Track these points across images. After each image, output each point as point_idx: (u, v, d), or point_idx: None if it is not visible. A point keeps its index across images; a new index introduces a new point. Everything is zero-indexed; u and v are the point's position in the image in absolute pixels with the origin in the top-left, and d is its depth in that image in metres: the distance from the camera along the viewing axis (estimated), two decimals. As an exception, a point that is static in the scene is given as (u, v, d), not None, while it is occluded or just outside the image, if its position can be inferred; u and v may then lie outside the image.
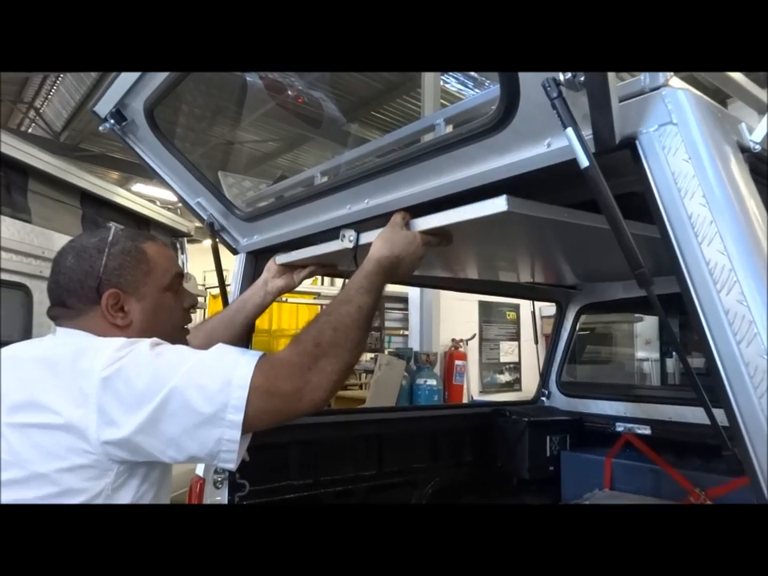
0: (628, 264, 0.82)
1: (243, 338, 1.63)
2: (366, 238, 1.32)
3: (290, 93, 2.93)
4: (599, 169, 0.82)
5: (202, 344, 1.31)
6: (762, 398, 0.72)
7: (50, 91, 8.92)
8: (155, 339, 0.97)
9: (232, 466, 0.91)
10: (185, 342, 1.18)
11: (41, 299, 3.19)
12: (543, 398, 3.09)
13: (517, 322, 7.58)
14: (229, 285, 1.94)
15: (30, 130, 9.83)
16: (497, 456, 2.76)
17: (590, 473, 2.62)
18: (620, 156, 0.90)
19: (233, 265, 1.93)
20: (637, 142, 0.88)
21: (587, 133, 0.87)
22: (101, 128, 1.64)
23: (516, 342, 7.62)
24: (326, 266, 1.71)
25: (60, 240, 3.36)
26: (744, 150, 0.88)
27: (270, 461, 2.08)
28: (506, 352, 7.54)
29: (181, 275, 1.19)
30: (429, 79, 6.36)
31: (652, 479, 2.40)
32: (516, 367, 7.62)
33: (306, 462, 2.20)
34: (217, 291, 6.84)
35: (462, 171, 1.09)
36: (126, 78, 1.48)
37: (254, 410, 0.88)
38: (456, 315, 6.91)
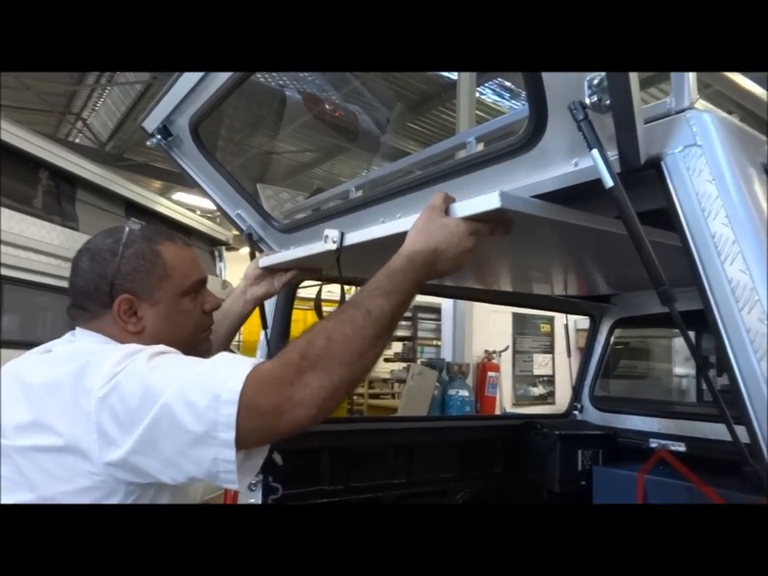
0: (651, 281, 0.84)
1: (227, 348, 1.56)
2: (352, 238, 1.24)
3: (327, 106, 3.01)
4: (623, 188, 0.84)
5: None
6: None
7: (97, 103, 9.27)
8: (157, 348, 0.91)
9: (235, 486, 0.83)
10: (206, 347, 1.14)
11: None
12: (575, 412, 3.08)
13: (551, 334, 7.51)
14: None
15: (77, 140, 10.21)
16: (527, 468, 2.76)
17: (622, 489, 2.59)
18: (647, 173, 0.92)
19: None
20: (662, 163, 0.90)
21: (613, 153, 0.89)
22: (148, 143, 1.73)
23: (550, 355, 7.54)
24: (310, 271, 1.62)
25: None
26: (769, 169, 0.89)
27: (302, 466, 2.13)
28: (540, 365, 7.47)
29: (203, 281, 1.12)
30: (464, 90, 6.39)
31: (686, 497, 2.36)
32: (550, 380, 7.54)
33: (338, 468, 2.24)
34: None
35: (491, 189, 1.12)
36: (173, 96, 1.56)
37: (244, 427, 0.79)
38: (489, 326, 6.89)
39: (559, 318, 3.57)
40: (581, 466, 2.72)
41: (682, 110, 0.89)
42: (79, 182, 3.69)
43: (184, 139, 1.69)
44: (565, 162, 0.99)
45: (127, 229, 1.06)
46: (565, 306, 2.91)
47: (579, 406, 3.06)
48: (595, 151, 0.85)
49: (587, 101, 0.85)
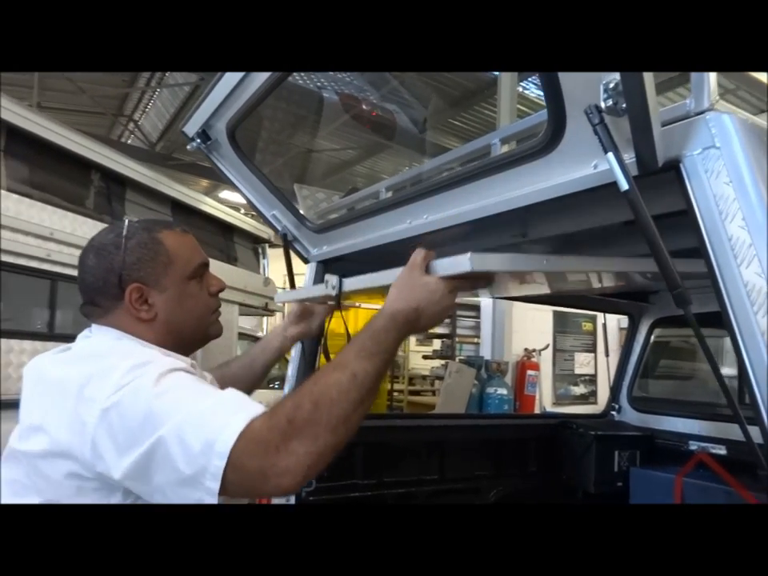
0: (666, 284, 0.85)
1: (262, 381, 1.63)
2: (350, 285, 1.29)
3: (364, 106, 3.05)
4: (639, 192, 0.85)
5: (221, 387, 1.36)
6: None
7: (148, 105, 9.58)
8: (167, 365, 0.93)
9: None
10: (216, 329, 1.18)
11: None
12: (613, 413, 3.04)
13: (593, 333, 7.38)
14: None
15: (129, 141, 10.57)
16: (562, 468, 2.74)
17: (659, 491, 2.55)
18: (666, 176, 0.92)
19: (305, 272, 2.06)
20: (681, 165, 0.90)
21: (631, 155, 0.90)
22: (188, 147, 1.80)
23: (592, 354, 7.42)
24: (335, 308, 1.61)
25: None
26: (790, 172, 0.88)
27: (336, 460, 2.17)
28: (581, 364, 7.35)
29: (205, 264, 1.16)
30: (505, 86, 6.33)
31: (725, 501, 2.31)
32: (592, 379, 7.41)
33: (372, 463, 2.28)
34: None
35: (513, 191, 1.14)
36: (211, 102, 1.62)
37: (229, 481, 0.80)
38: (529, 324, 6.82)
39: (602, 317, 3.51)
40: (617, 467, 2.69)
41: (702, 112, 0.88)
42: (128, 182, 3.85)
43: (222, 143, 1.76)
44: (584, 164, 1.00)
45: (126, 221, 1.10)
46: (602, 304, 2.88)
47: (617, 406, 3.02)
48: (610, 154, 0.86)
49: (603, 104, 0.86)
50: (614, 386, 3.04)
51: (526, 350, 6.81)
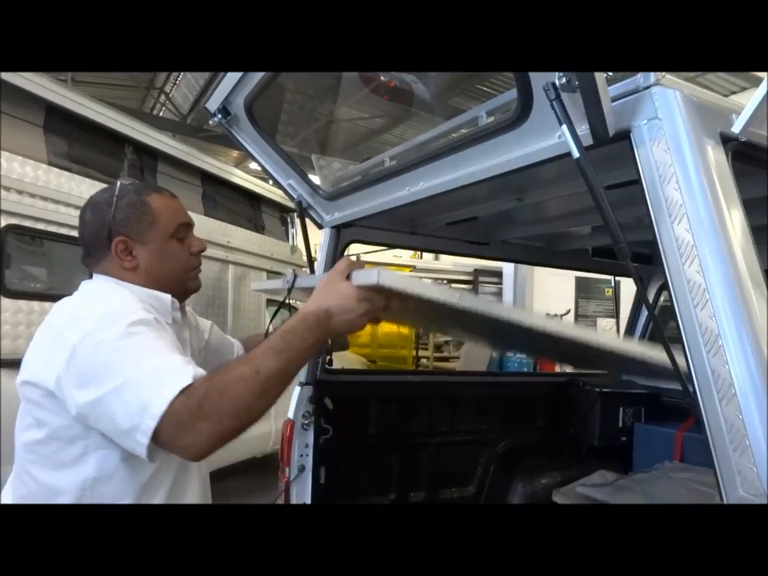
0: (611, 239, 0.98)
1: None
2: (302, 281, 1.35)
3: (382, 78, 3.12)
4: (588, 160, 0.97)
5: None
6: (713, 356, 0.86)
7: (178, 77, 9.73)
8: (135, 321, 1.04)
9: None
10: (195, 285, 1.30)
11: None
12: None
13: (614, 298, 7.38)
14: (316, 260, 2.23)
15: (161, 114, 10.77)
16: (568, 423, 2.88)
17: (661, 445, 2.67)
18: (620, 147, 1.04)
19: (320, 238, 2.22)
20: (631, 135, 1.02)
21: (586, 127, 1.02)
22: (210, 122, 1.95)
23: (614, 320, 7.43)
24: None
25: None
26: (730, 139, 0.99)
27: (352, 411, 2.36)
28: (603, 329, 7.40)
29: (186, 224, 1.27)
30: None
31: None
32: (615, 345, 7.44)
33: (385, 415, 2.45)
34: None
35: (494, 159, 1.27)
36: (230, 80, 1.76)
37: (155, 439, 0.93)
38: (551, 290, 6.89)
39: (624, 283, 3.58)
40: (621, 423, 2.81)
41: (648, 86, 1.00)
42: (160, 155, 4.03)
43: (241, 117, 1.90)
44: (550, 135, 1.12)
45: (119, 183, 1.23)
46: (611, 267, 2.96)
47: (625, 366, 3.12)
48: (564, 126, 0.98)
49: (557, 81, 0.98)
50: (623, 346, 3.15)
51: (547, 315, 6.87)
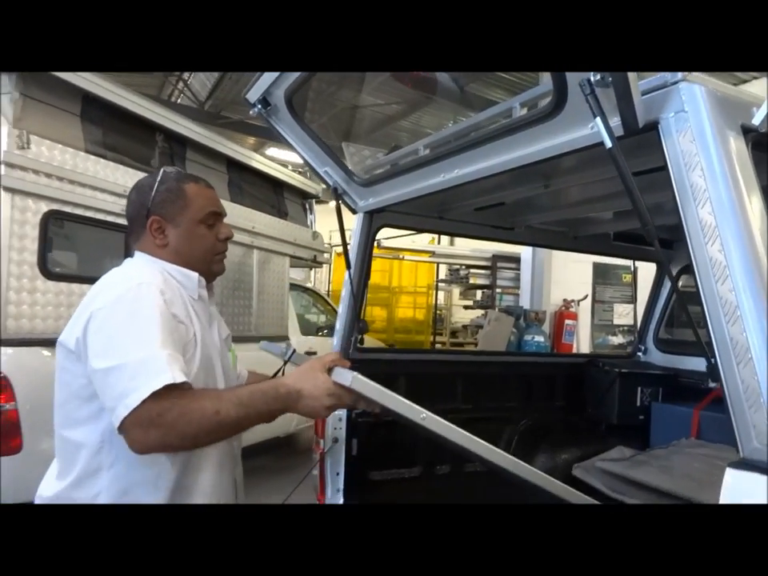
0: (640, 221, 1.08)
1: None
2: (297, 357, 1.43)
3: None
4: (620, 149, 1.07)
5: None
6: (732, 325, 0.97)
7: (197, 65, 9.78)
8: (148, 303, 1.18)
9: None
10: (219, 269, 1.42)
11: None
12: (639, 354, 3.24)
13: (633, 284, 7.43)
14: (349, 244, 2.34)
15: (179, 101, 10.88)
16: (588, 403, 2.98)
17: (678, 423, 2.77)
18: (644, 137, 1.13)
19: (353, 224, 2.33)
20: (659, 126, 1.11)
21: (618, 119, 1.11)
22: (251, 112, 2.05)
23: (631, 305, 7.49)
24: None
25: (211, 201, 3.97)
26: (750, 130, 1.08)
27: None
28: (620, 314, 7.47)
29: (216, 213, 1.39)
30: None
31: (737, 431, 2.51)
32: (630, 330, 7.52)
33: (411, 391, 2.56)
34: (340, 249, 7.38)
35: (528, 148, 1.37)
36: (271, 73, 1.86)
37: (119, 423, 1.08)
38: (569, 276, 6.95)
39: (642, 269, 3.64)
40: (640, 402, 2.91)
41: (676, 82, 1.09)
42: (188, 142, 4.14)
43: (280, 108, 2.00)
44: (584, 126, 1.21)
45: (163, 170, 1.38)
46: (631, 252, 3.05)
47: (643, 347, 3.22)
48: (598, 119, 1.08)
49: (592, 78, 1.07)
50: (640, 328, 3.24)
51: (564, 300, 6.97)
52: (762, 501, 0.86)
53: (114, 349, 1.13)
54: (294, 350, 1.47)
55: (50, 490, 1.26)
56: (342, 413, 2.32)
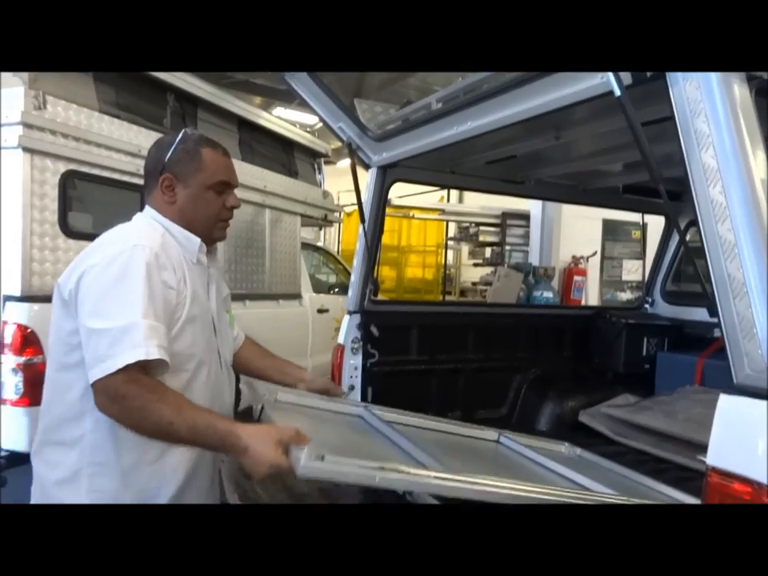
0: (647, 170, 1.13)
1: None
2: (268, 412, 1.37)
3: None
4: (630, 98, 1.12)
5: (247, 353, 1.67)
6: (730, 262, 1.03)
7: (202, 22, 9.63)
8: (139, 267, 1.21)
9: None
10: (221, 236, 1.45)
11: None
12: (646, 305, 3.31)
13: (641, 238, 7.45)
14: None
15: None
16: (595, 353, 3.08)
17: (683, 371, 2.85)
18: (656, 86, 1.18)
19: (365, 182, 2.38)
20: (666, 75, 1.15)
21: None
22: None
23: (640, 261, 7.52)
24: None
25: (224, 160, 4.02)
26: (754, 77, 1.12)
27: (395, 338, 2.58)
28: (629, 270, 7.50)
29: (226, 183, 1.40)
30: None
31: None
32: (638, 286, 7.57)
33: (425, 342, 2.67)
34: (349, 209, 7.41)
35: (539, 98, 1.41)
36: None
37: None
38: (578, 232, 6.98)
39: (651, 224, 3.68)
40: (645, 352, 3.00)
41: (683, 31, 1.13)
42: (199, 102, 4.16)
43: (296, 65, 2.04)
44: (594, 76, 1.26)
45: (184, 131, 1.41)
46: (639, 205, 3.08)
47: (650, 299, 3.29)
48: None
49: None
50: (648, 281, 3.31)
51: (573, 256, 7.01)
52: (753, 422, 0.95)
53: (101, 311, 1.20)
54: (263, 408, 1.40)
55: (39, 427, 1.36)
56: (357, 362, 2.43)
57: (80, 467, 1.26)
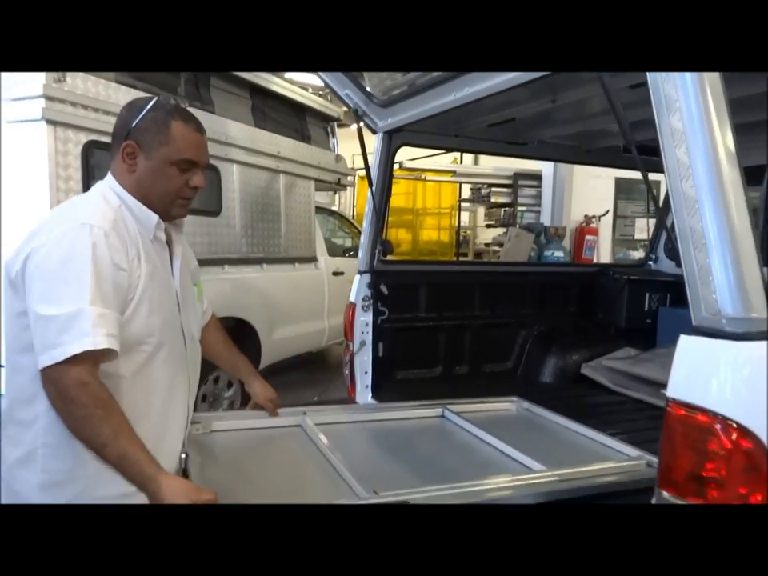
0: (622, 133, 1.23)
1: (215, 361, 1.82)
2: (193, 466, 1.44)
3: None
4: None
5: (208, 335, 1.66)
6: (691, 217, 1.14)
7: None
8: (84, 248, 1.17)
9: None
10: (179, 213, 1.39)
11: (226, 177, 4.01)
12: (650, 262, 3.39)
13: (647, 196, 7.39)
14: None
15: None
16: (598, 308, 3.18)
17: (684, 326, 2.92)
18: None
19: (373, 145, 2.48)
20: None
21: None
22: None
23: (653, 220, 7.52)
24: None
25: (236, 127, 4.11)
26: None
27: (404, 296, 2.71)
28: (641, 229, 7.51)
29: (191, 161, 1.31)
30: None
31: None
32: (652, 244, 7.59)
33: (432, 300, 2.80)
34: (363, 173, 7.46)
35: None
36: None
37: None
38: (590, 192, 6.99)
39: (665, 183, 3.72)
40: (648, 307, 3.11)
41: None
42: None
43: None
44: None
45: (156, 99, 1.32)
46: (645, 164, 3.13)
47: (654, 256, 3.37)
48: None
49: None
50: (652, 238, 3.38)
51: (585, 216, 7.04)
52: (707, 359, 1.07)
53: (48, 296, 1.16)
54: (187, 455, 1.45)
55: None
56: (368, 319, 2.57)
57: (35, 447, 1.25)
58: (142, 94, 3.64)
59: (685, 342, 1.11)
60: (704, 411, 1.06)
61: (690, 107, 1.15)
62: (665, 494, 1.11)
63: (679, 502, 1.08)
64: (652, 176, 1.54)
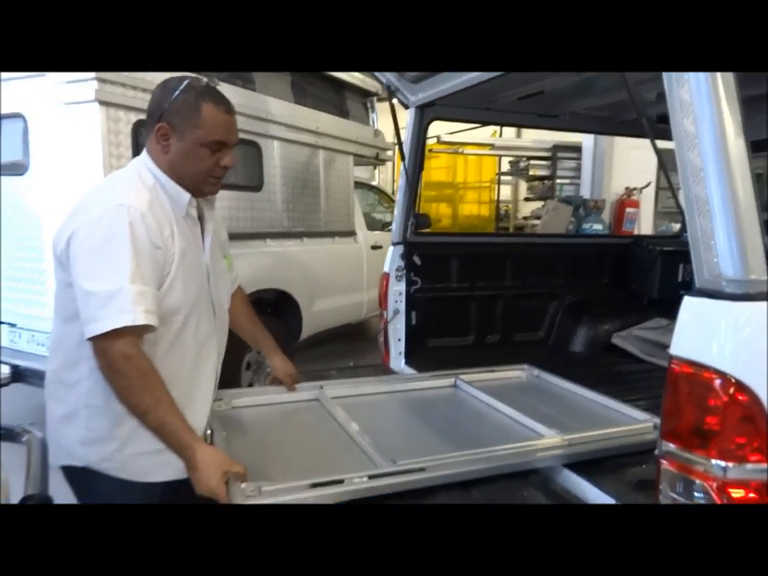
0: (633, 106, 1.29)
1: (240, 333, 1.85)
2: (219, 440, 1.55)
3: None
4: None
5: (234, 307, 1.69)
6: (696, 185, 1.20)
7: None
8: (124, 227, 1.24)
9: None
10: (210, 191, 1.44)
11: (267, 153, 4.14)
12: (686, 234, 3.36)
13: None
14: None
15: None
16: (631, 279, 3.21)
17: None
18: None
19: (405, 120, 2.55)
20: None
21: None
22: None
23: (700, 191, 7.29)
24: None
25: (277, 104, 4.22)
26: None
27: (436, 267, 2.81)
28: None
29: (221, 142, 1.35)
30: None
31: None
32: (697, 217, 7.37)
33: (464, 271, 2.89)
34: (403, 146, 7.48)
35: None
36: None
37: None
38: (631, 164, 6.84)
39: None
40: (681, 278, 3.11)
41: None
42: (252, 47, 4.34)
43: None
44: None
45: (187, 81, 1.33)
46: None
47: (690, 228, 3.34)
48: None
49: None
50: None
51: (626, 188, 6.91)
52: (709, 319, 1.14)
53: (90, 273, 1.24)
54: (212, 432, 1.57)
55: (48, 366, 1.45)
56: (401, 288, 2.68)
57: (77, 407, 1.36)
58: (185, 73, 3.80)
59: (688, 302, 1.18)
60: (704, 367, 1.14)
61: (698, 79, 1.20)
62: (670, 445, 1.19)
63: (684, 453, 1.16)
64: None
